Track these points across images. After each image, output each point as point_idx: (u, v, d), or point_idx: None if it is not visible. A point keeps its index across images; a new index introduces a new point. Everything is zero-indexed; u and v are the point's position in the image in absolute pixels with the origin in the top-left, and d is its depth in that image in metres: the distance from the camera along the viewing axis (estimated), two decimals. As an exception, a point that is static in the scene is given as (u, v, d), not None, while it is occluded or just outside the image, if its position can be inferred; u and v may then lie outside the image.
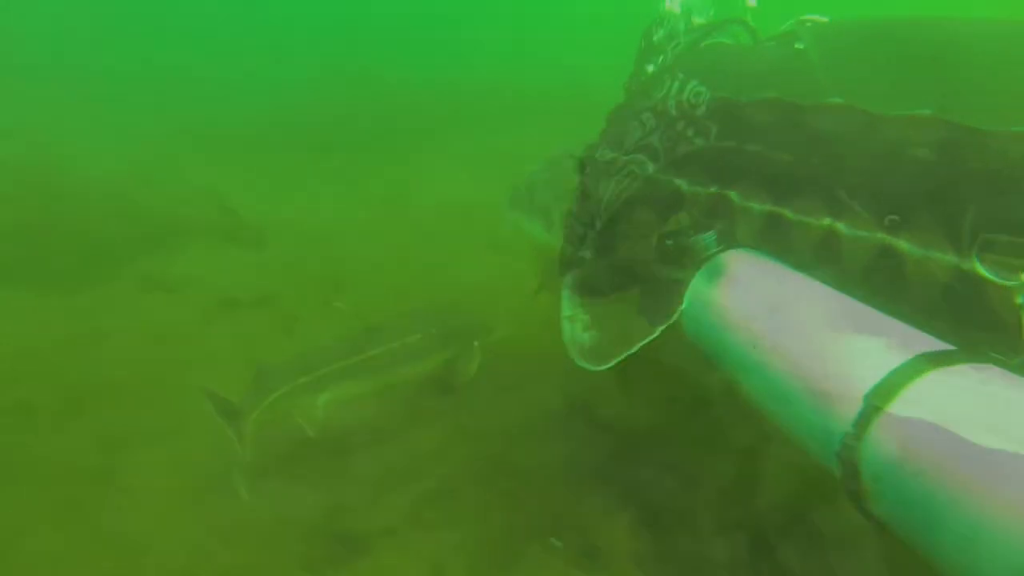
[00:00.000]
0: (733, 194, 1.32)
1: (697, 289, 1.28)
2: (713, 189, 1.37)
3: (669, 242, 1.35)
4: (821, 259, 1.18)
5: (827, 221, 1.16)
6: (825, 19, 1.44)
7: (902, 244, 1.04)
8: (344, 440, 2.56)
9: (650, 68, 1.69)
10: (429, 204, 5.33)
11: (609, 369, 1.35)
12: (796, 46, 1.32)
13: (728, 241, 1.31)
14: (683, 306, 1.29)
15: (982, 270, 0.95)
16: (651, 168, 1.43)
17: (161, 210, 4.74)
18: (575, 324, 1.52)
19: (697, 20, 1.85)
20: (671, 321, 1.27)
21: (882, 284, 1.09)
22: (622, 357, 1.29)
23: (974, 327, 0.95)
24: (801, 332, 1.02)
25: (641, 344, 1.28)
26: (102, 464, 2.27)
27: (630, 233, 1.53)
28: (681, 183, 1.42)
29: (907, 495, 0.76)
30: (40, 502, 2.11)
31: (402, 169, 6.49)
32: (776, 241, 1.26)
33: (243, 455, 2.54)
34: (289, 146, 7.14)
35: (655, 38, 1.78)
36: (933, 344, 0.89)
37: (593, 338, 1.46)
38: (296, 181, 6.05)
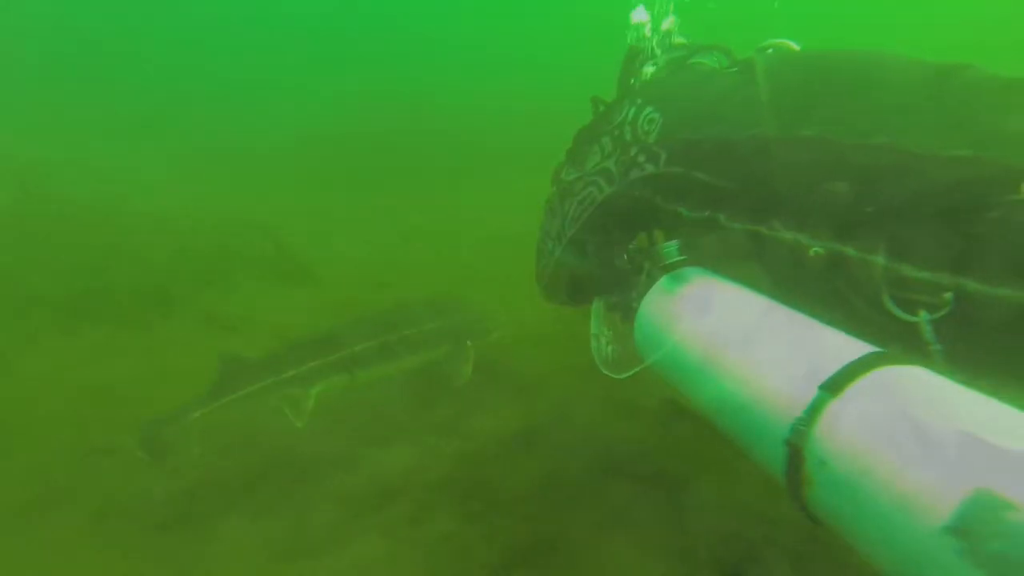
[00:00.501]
0: (683, 210, 1.38)
1: (648, 307, 1.35)
2: (665, 211, 1.43)
3: (626, 258, 1.45)
4: (764, 283, 1.24)
5: (761, 254, 1.23)
6: (795, 46, 1.47)
7: (832, 278, 1.10)
8: (313, 462, 2.46)
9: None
10: (481, 237, 5.39)
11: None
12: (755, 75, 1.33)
13: (681, 261, 1.38)
14: (636, 327, 1.36)
15: (890, 306, 0.99)
16: (607, 191, 1.49)
17: (213, 245, 5.01)
18: (600, 340, 1.63)
19: (678, 40, 1.91)
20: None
21: (815, 300, 1.13)
22: (638, 369, 1.38)
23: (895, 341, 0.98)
24: (752, 341, 1.05)
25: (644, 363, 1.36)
26: (185, 511, 2.29)
27: (588, 251, 1.62)
28: (631, 206, 1.49)
29: (857, 479, 0.79)
30: (139, 546, 2.11)
31: (452, 199, 6.59)
32: (721, 265, 1.33)
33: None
34: (336, 174, 7.34)
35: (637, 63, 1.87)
36: (874, 348, 0.92)
37: (615, 352, 1.61)
38: (345, 213, 6.20)
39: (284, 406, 3.07)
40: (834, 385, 0.86)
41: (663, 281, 1.37)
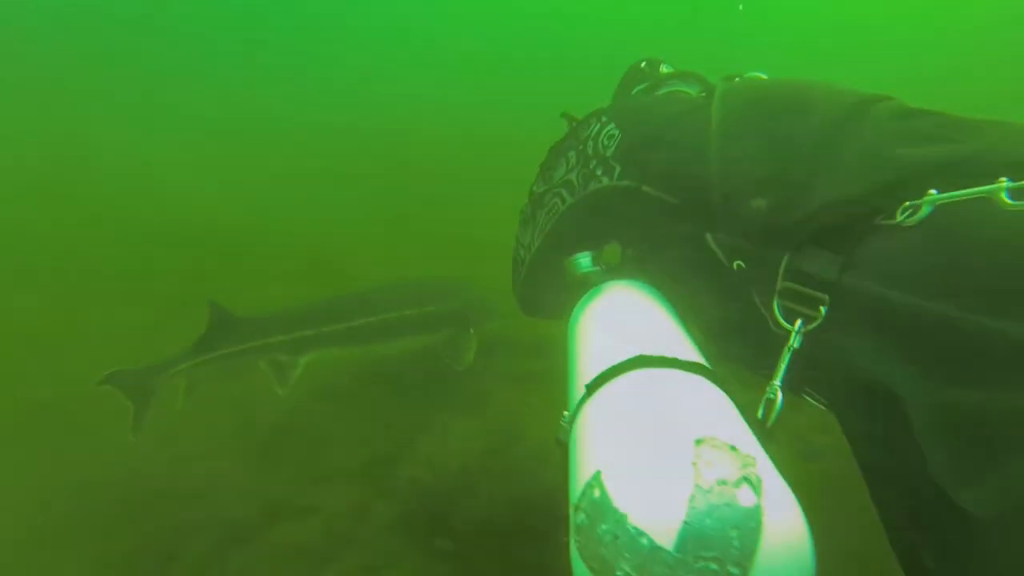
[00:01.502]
0: (632, 221, 1.47)
1: (575, 310, 1.45)
2: (617, 222, 1.52)
3: (570, 269, 1.55)
4: (689, 291, 1.34)
5: (694, 265, 1.29)
6: (763, 76, 1.54)
7: (750, 291, 1.17)
8: (243, 514, 2.16)
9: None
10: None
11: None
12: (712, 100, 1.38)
13: (615, 271, 1.48)
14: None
15: (776, 313, 1.06)
16: (569, 202, 1.57)
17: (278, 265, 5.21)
18: None
19: (664, 69, 1.98)
20: None
21: (739, 320, 1.21)
22: None
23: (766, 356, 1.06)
24: (588, 342, 1.14)
25: None
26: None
27: (555, 260, 1.69)
28: (588, 217, 1.56)
29: (571, 467, 0.85)
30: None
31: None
32: (662, 275, 1.42)
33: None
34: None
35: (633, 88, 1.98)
36: (672, 352, 0.96)
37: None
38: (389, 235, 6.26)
39: (269, 371, 3.02)
40: (595, 384, 0.93)
41: (587, 294, 1.47)
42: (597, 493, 0.66)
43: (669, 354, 0.96)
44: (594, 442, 0.77)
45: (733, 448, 0.66)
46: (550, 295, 1.85)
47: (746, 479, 0.62)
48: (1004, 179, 0.81)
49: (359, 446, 2.64)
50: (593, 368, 0.99)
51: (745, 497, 0.61)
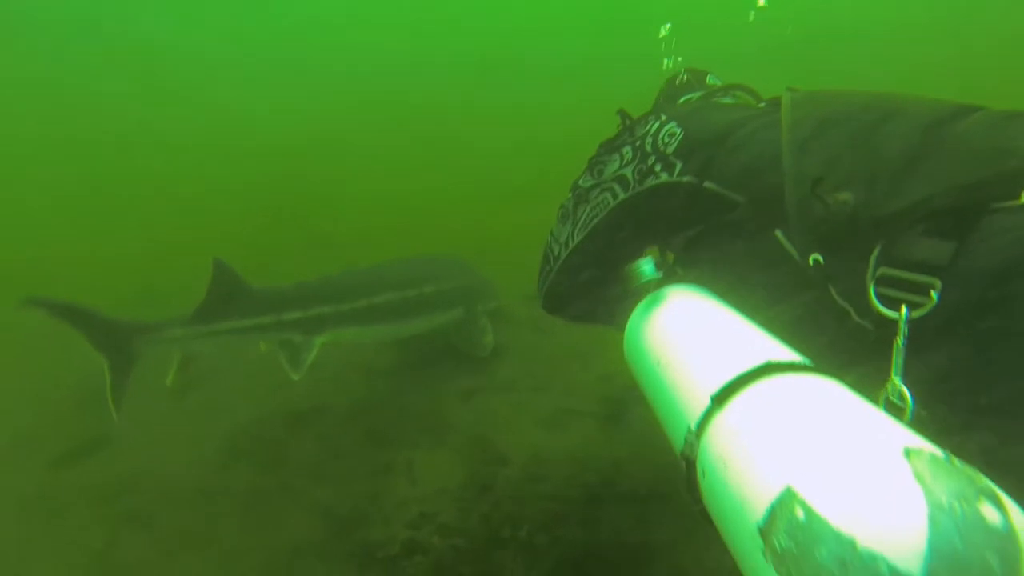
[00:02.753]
0: (691, 219, 1.43)
1: (635, 318, 1.38)
2: (673, 221, 1.47)
3: (627, 269, 1.46)
4: (752, 289, 1.26)
5: (761, 264, 1.25)
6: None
7: (828, 286, 1.12)
8: None
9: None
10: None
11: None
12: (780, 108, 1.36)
13: (670, 273, 1.41)
14: (625, 337, 1.39)
15: (875, 302, 0.99)
16: (622, 197, 1.53)
17: None
18: None
19: (711, 80, 1.99)
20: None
21: (813, 317, 1.15)
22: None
23: (864, 360, 1.00)
24: (689, 349, 1.06)
25: None
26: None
27: (596, 258, 1.64)
28: (642, 214, 1.52)
29: (719, 486, 0.77)
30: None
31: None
32: (720, 276, 1.35)
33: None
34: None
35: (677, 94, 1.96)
36: (794, 356, 0.90)
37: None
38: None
39: (281, 353, 2.65)
40: (724, 395, 0.84)
41: (647, 299, 1.41)
42: (801, 513, 0.57)
43: (785, 358, 0.89)
44: (763, 456, 0.69)
45: (951, 458, 0.58)
46: (586, 296, 1.78)
47: (982, 493, 0.54)
48: None
49: (320, 517, 2.44)
50: (710, 379, 0.91)
51: (990, 514, 0.53)
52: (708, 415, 0.85)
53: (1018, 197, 0.91)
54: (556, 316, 1.93)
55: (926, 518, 0.52)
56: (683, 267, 1.53)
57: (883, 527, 0.53)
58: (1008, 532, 0.52)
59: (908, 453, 0.59)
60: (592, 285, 1.75)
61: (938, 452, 0.60)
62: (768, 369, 0.85)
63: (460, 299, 3.30)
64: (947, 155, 1.02)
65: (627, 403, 2.99)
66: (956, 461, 0.59)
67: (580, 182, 1.73)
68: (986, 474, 0.58)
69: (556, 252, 1.75)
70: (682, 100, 1.93)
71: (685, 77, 2.04)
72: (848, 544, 0.53)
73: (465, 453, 2.70)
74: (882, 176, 1.06)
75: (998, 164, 0.95)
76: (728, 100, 1.81)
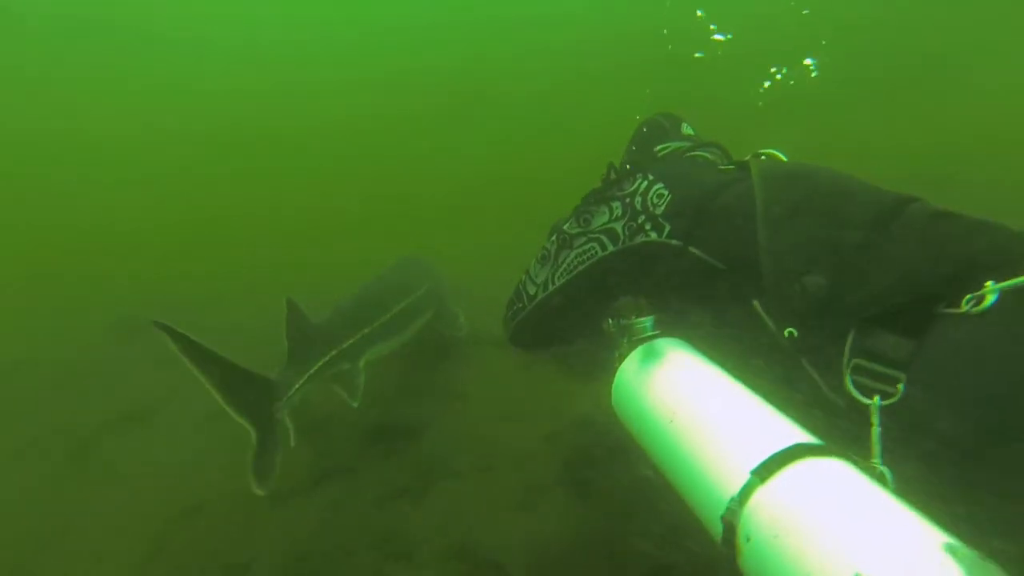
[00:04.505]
0: (674, 279, 1.57)
1: (626, 369, 1.53)
2: (657, 278, 1.61)
3: (610, 322, 1.61)
4: (735, 358, 1.41)
5: (739, 328, 1.41)
6: (782, 156, 1.70)
7: (800, 359, 1.28)
8: None
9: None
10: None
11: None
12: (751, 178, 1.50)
13: (663, 328, 1.56)
14: (613, 385, 1.54)
15: (851, 388, 1.17)
16: (610, 250, 1.65)
17: None
18: None
19: (686, 130, 2.12)
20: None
21: (784, 383, 1.32)
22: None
23: (840, 435, 1.15)
24: (708, 416, 1.21)
25: None
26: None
27: (577, 305, 1.76)
28: (628, 268, 1.65)
29: (772, 554, 0.97)
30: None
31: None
32: (700, 334, 1.51)
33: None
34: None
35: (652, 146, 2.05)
36: (808, 438, 1.08)
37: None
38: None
39: (336, 385, 2.73)
40: (763, 471, 1.02)
41: (641, 349, 1.55)
42: None
43: (806, 439, 1.08)
44: (824, 538, 0.87)
45: (976, 554, 0.78)
46: (555, 337, 1.94)
47: None
48: None
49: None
50: (742, 450, 1.08)
51: None
52: (750, 488, 1.04)
53: (959, 304, 1.11)
54: (520, 348, 2.03)
55: None
56: (640, 313, 1.66)
57: None
58: None
59: (951, 550, 0.77)
60: (563, 326, 1.88)
61: (966, 548, 0.79)
62: (800, 451, 1.05)
63: (437, 296, 3.65)
64: (897, 254, 1.21)
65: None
66: (982, 556, 0.78)
67: (565, 228, 1.82)
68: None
69: (532, 292, 1.84)
70: (659, 148, 2.05)
71: (664, 122, 2.15)
72: None
73: (448, 570, 2.29)
74: (846, 266, 1.24)
75: (934, 270, 1.15)
76: (705, 154, 1.93)
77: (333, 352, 2.77)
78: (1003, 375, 1.04)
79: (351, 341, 2.87)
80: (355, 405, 2.73)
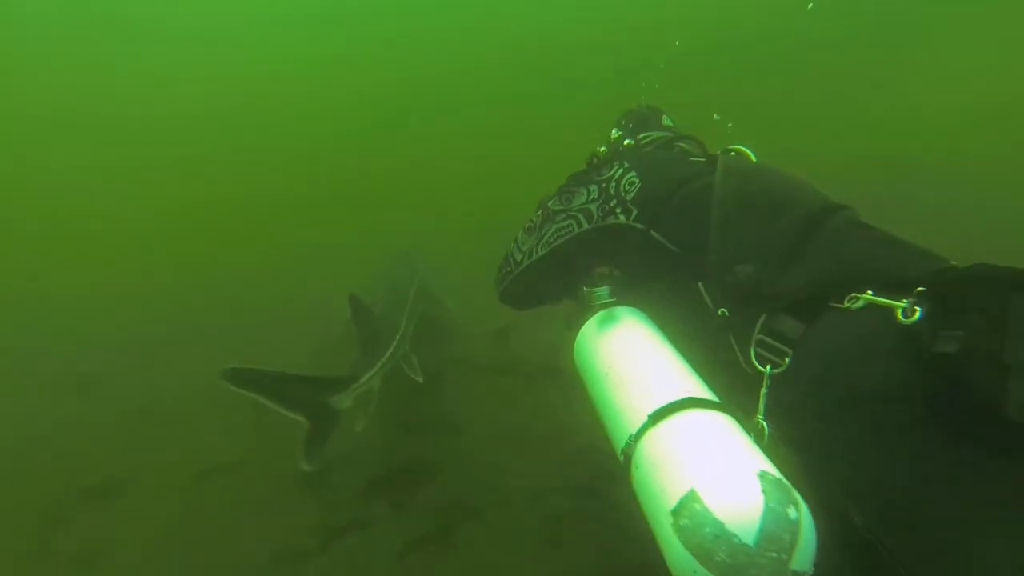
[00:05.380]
0: (636, 257, 1.81)
1: (584, 330, 1.81)
2: (622, 254, 1.87)
3: (584, 289, 1.86)
4: (678, 329, 1.68)
5: (683, 304, 1.65)
6: (751, 154, 1.93)
7: (727, 334, 1.53)
8: None
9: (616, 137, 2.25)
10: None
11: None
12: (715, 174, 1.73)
13: (620, 298, 1.83)
14: (575, 341, 1.82)
15: (753, 359, 1.42)
16: (585, 227, 1.90)
17: None
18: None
19: (666, 121, 2.34)
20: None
21: (714, 353, 1.56)
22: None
23: (748, 399, 1.41)
24: (632, 371, 1.50)
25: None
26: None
27: (553, 270, 2.02)
28: (598, 244, 1.90)
29: (647, 479, 1.20)
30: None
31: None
32: (652, 306, 1.78)
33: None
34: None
35: (630, 130, 2.30)
36: (704, 394, 1.36)
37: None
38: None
39: (404, 365, 3.13)
40: (657, 416, 1.29)
41: (600, 314, 1.83)
42: (698, 506, 1.01)
43: (701, 395, 1.33)
44: (678, 465, 1.12)
45: (781, 480, 1.04)
46: (537, 298, 2.23)
47: (792, 502, 1.01)
48: (905, 300, 1.20)
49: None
50: (647, 400, 1.34)
51: (792, 513, 0.99)
52: (644, 428, 1.28)
53: (842, 301, 1.34)
54: (509, 306, 2.32)
55: (761, 514, 0.98)
56: (629, 292, 1.92)
57: (739, 518, 0.98)
58: (797, 521, 0.99)
59: (760, 475, 1.04)
60: (545, 289, 2.17)
61: (775, 473, 1.06)
62: (690, 402, 1.29)
63: (431, 283, 4.07)
64: (812, 256, 1.45)
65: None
66: (783, 479, 1.05)
67: (550, 204, 2.08)
68: (794, 481, 1.04)
69: (518, 259, 2.11)
70: (642, 136, 2.28)
71: (646, 110, 2.39)
72: (720, 526, 0.98)
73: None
74: (772, 261, 1.49)
75: (836, 272, 1.40)
76: (684, 145, 2.18)
77: (397, 337, 3.14)
78: (846, 359, 1.29)
79: (403, 330, 3.24)
80: (421, 380, 3.07)
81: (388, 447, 3.40)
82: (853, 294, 1.32)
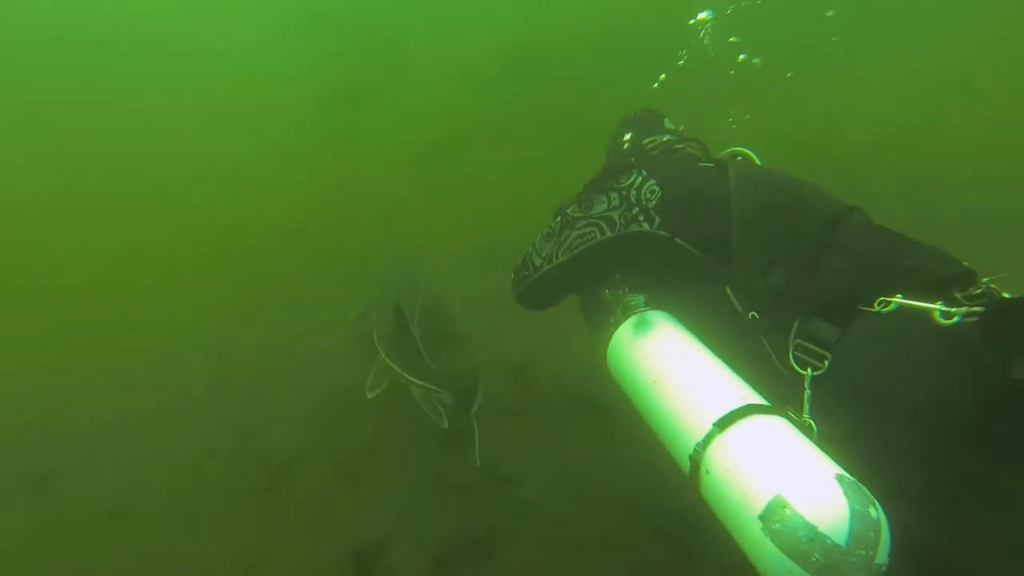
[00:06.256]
0: (661, 265, 1.88)
1: (620, 336, 1.87)
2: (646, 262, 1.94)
3: (608, 293, 1.91)
4: (708, 331, 1.75)
5: (712, 307, 1.73)
6: (755, 156, 2.01)
7: (759, 336, 1.60)
8: None
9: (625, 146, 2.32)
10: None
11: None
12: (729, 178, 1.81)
13: (652, 304, 1.89)
14: (608, 347, 1.88)
15: (793, 363, 1.50)
16: (608, 235, 1.95)
17: None
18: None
19: (668, 124, 2.41)
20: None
21: (746, 354, 1.64)
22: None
23: (785, 399, 1.49)
24: (683, 379, 1.57)
25: None
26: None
27: (575, 278, 2.09)
28: (622, 252, 1.96)
29: (724, 485, 1.28)
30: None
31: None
32: (681, 310, 1.85)
33: None
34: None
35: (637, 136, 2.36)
36: (759, 399, 1.44)
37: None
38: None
39: (426, 406, 3.07)
40: (722, 424, 1.37)
41: (633, 319, 1.88)
42: (788, 511, 1.10)
43: (757, 401, 1.42)
44: (756, 471, 1.21)
45: (856, 483, 1.14)
46: (555, 300, 2.28)
47: (871, 502, 1.11)
48: (940, 303, 1.32)
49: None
50: (709, 408, 1.42)
51: (873, 513, 1.09)
52: (711, 436, 1.36)
53: (871, 304, 1.44)
54: (525, 308, 2.36)
55: (848, 515, 1.08)
56: (633, 289, 1.99)
57: (830, 520, 1.07)
58: (878, 520, 1.10)
59: (838, 478, 1.14)
60: (564, 293, 2.24)
61: (849, 477, 1.16)
62: (752, 408, 1.38)
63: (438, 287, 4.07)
64: (837, 260, 1.54)
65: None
66: (858, 482, 1.15)
67: (569, 211, 2.12)
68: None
69: (537, 264, 2.15)
70: (647, 141, 2.34)
71: (648, 115, 2.45)
72: (813, 528, 1.07)
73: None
74: (799, 266, 1.57)
75: (863, 276, 1.49)
76: (688, 148, 2.24)
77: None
78: (883, 360, 1.40)
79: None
80: (445, 426, 2.96)
81: (437, 514, 2.90)
82: (882, 298, 1.42)
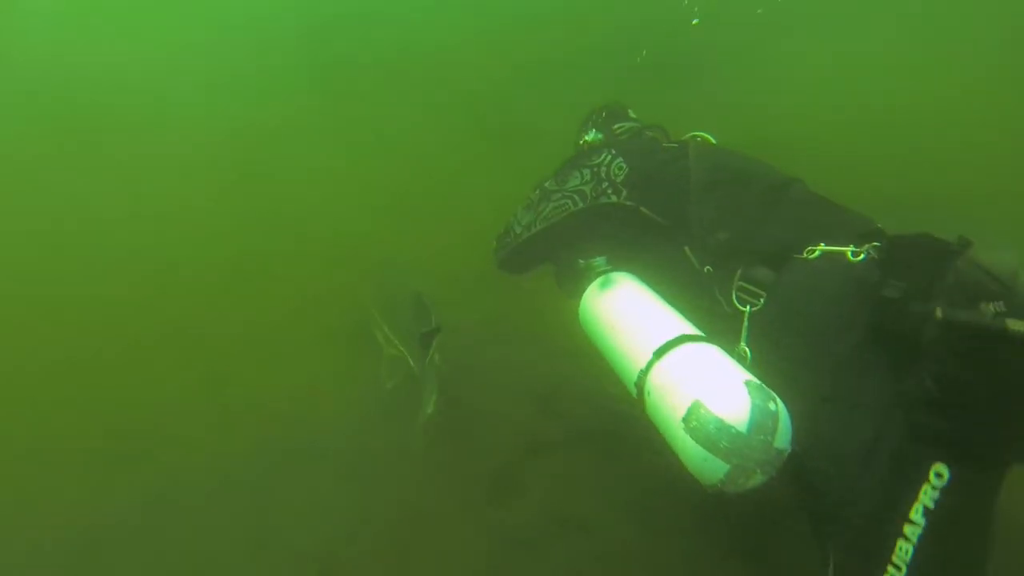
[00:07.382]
0: (628, 231, 2.11)
1: (588, 294, 2.11)
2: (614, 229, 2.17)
3: (581, 263, 2.14)
4: (665, 281, 1.99)
5: (674, 265, 1.96)
6: (711, 138, 2.24)
7: (713, 287, 1.83)
8: None
9: (588, 137, 2.56)
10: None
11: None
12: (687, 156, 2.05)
13: (615, 265, 2.12)
14: (580, 307, 2.13)
15: (735, 302, 1.75)
16: (580, 206, 2.19)
17: None
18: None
19: (632, 114, 2.67)
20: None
21: (701, 302, 1.88)
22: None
23: (732, 335, 1.72)
24: (634, 322, 1.82)
25: None
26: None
27: (552, 245, 2.32)
28: (592, 222, 2.20)
29: (660, 401, 1.52)
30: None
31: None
32: (648, 269, 2.07)
33: None
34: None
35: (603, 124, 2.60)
36: (694, 331, 1.68)
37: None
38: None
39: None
40: (660, 352, 1.60)
41: (599, 280, 2.12)
42: (702, 411, 1.33)
43: (691, 332, 1.65)
44: (682, 386, 1.44)
45: (760, 385, 1.37)
46: (533, 265, 2.55)
47: (771, 399, 1.34)
48: (851, 246, 1.59)
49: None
50: (650, 341, 1.65)
51: (772, 406, 1.33)
52: (651, 363, 1.60)
53: (801, 252, 1.69)
54: (506, 272, 2.60)
55: (749, 409, 1.31)
56: (601, 254, 2.20)
57: (734, 414, 1.31)
58: (776, 411, 1.33)
59: (747, 384, 1.37)
60: (542, 258, 2.50)
61: (756, 380, 1.39)
62: (684, 338, 1.61)
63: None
64: (778, 219, 1.79)
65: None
66: (762, 383, 1.38)
67: (547, 185, 2.37)
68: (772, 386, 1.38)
69: (518, 231, 2.40)
70: (616, 127, 2.60)
71: (614, 107, 2.70)
72: (720, 421, 1.31)
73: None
74: (746, 225, 1.82)
75: (798, 231, 1.74)
76: (652, 133, 2.52)
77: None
78: (806, 295, 1.63)
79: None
80: (430, 411, 2.64)
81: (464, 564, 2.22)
82: (810, 247, 1.67)
